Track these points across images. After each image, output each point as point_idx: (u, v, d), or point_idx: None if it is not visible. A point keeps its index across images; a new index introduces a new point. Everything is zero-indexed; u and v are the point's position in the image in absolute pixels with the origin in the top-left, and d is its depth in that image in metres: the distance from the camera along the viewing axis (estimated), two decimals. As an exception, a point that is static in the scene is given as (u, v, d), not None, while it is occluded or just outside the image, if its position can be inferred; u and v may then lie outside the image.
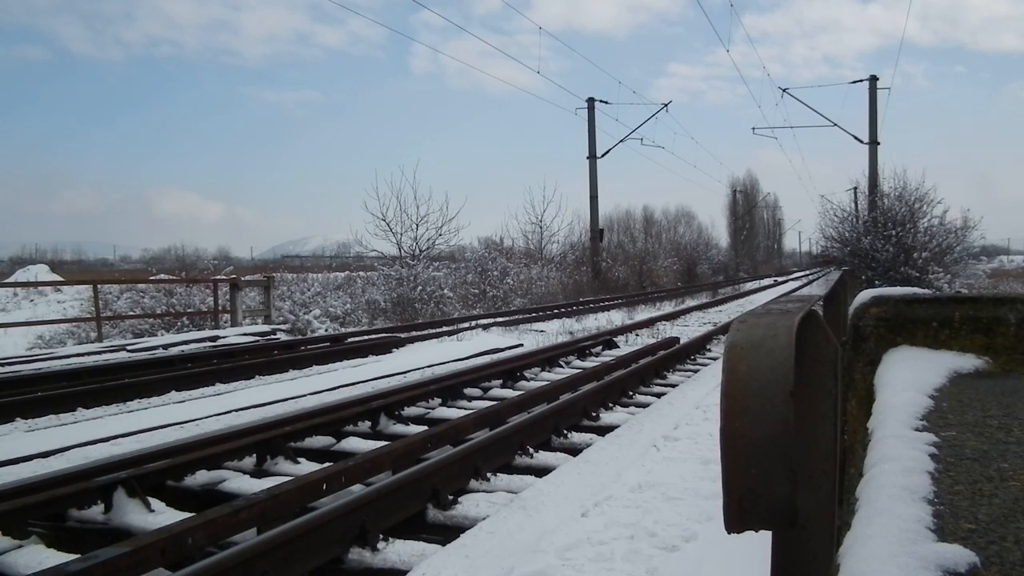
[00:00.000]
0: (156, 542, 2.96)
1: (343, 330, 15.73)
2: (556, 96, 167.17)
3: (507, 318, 17.44)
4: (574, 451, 5.06)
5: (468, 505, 3.96)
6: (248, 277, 18.62)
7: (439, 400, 6.91)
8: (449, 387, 7.14)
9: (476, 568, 2.99)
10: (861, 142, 28.10)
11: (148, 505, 3.86)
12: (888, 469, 0.77)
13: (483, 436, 4.94)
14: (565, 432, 5.64)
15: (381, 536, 3.45)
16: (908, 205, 21.99)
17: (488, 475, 4.46)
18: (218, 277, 17.31)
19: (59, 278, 23.97)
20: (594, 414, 6.28)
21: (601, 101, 30.89)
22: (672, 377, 8.60)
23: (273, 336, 13.42)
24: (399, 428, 5.91)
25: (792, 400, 0.90)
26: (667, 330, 14.40)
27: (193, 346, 11.56)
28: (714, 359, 10.02)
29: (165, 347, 11.41)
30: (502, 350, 11.10)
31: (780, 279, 52.74)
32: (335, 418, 5.72)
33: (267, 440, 4.96)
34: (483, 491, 4.28)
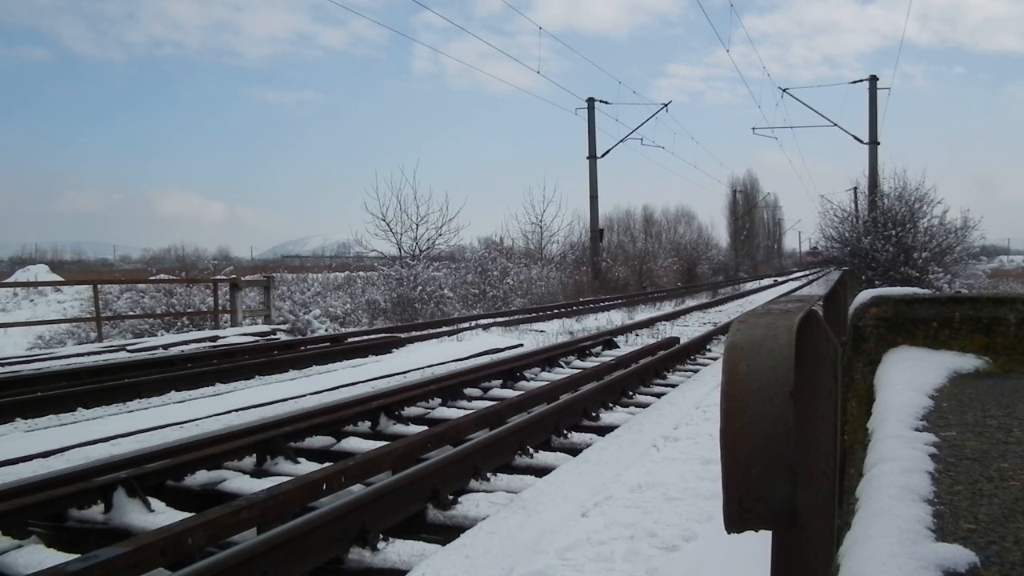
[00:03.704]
0: (156, 542, 2.96)
1: (343, 330, 15.74)
2: (556, 96, 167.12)
3: (507, 318, 17.44)
4: (574, 451, 5.06)
5: (468, 505, 3.96)
6: (248, 277, 18.62)
7: (439, 400, 6.91)
8: (449, 387, 7.14)
9: (476, 568, 2.99)
10: (861, 142, 28.13)
11: (148, 505, 3.86)
12: (888, 469, 0.77)
13: (483, 436, 4.94)
14: (565, 432, 5.64)
15: (381, 536, 3.45)
16: (908, 205, 22.00)
17: (488, 475, 4.46)
18: (218, 277, 17.31)
19: (59, 278, 23.97)
20: (594, 414, 6.27)
21: (601, 101, 30.91)
22: (672, 377, 8.60)
23: (273, 336, 13.42)
24: (399, 428, 5.91)
25: (792, 400, 0.90)
26: (667, 330, 14.40)
27: (193, 346, 11.56)
28: (714, 359, 10.02)
29: (165, 347, 11.41)
30: (502, 350, 11.10)
31: (780, 279, 52.74)
32: (335, 418, 5.72)
33: (267, 440, 4.96)
34: (483, 491, 4.28)
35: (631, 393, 7.38)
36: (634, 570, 2.90)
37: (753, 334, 0.97)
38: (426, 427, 5.67)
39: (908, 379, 1.18)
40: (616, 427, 5.62)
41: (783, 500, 0.89)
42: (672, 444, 4.87)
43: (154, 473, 4.22)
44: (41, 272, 29.74)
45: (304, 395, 7.47)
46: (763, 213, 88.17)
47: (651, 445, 4.86)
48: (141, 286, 17.59)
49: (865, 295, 1.50)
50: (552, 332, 14.57)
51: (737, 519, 0.91)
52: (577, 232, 36.89)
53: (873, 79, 27.88)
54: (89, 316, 15.08)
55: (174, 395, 7.93)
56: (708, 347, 11.22)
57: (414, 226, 23.51)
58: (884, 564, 0.58)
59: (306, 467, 4.74)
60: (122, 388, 7.76)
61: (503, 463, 4.82)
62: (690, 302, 25.15)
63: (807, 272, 63.82)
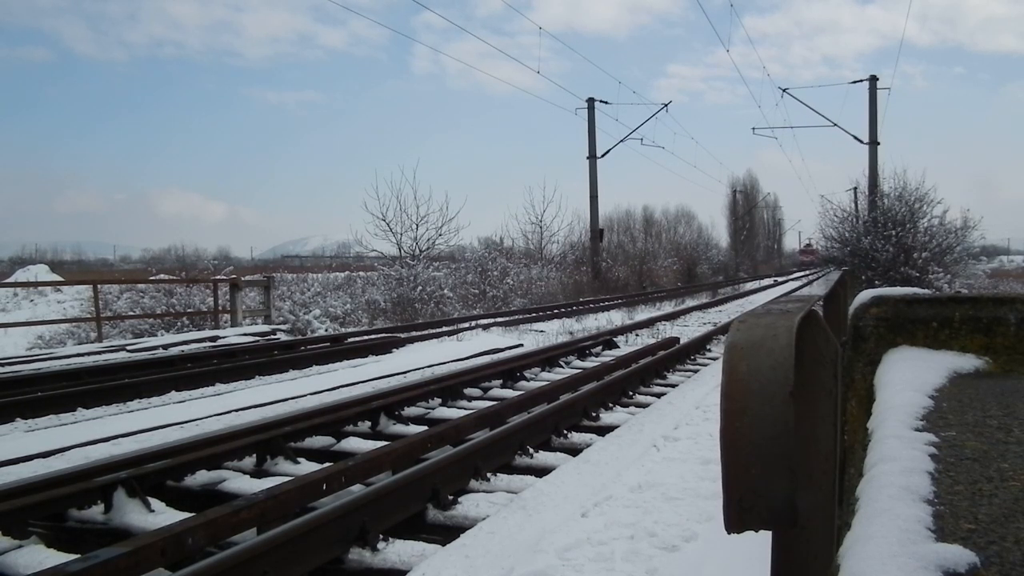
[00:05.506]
0: (156, 542, 2.96)
1: (343, 330, 15.73)
2: (556, 96, 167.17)
3: (507, 318, 17.43)
4: (574, 451, 5.06)
5: (468, 505, 3.96)
6: (248, 277, 18.62)
7: (439, 400, 6.91)
8: (449, 387, 7.14)
9: (476, 568, 2.99)
10: (861, 142, 28.13)
11: (148, 505, 3.86)
12: (888, 469, 0.77)
13: (483, 436, 4.93)
14: (565, 432, 5.64)
15: (381, 536, 3.45)
16: (908, 205, 21.99)
17: (488, 475, 4.46)
18: (218, 277, 17.31)
19: (59, 278, 23.96)
20: (594, 414, 6.27)
21: (601, 101, 30.91)
22: (672, 377, 8.60)
23: (273, 336, 13.42)
24: (399, 428, 5.91)
25: (792, 400, 0.90)
26: (667, 330, 14.39)
27: (193, 346, 11.56)
28: (714, 359, 10.02)
29: (165, 347, 11.41)
30: (502, 350, 11.09)
31: (780, 279, 52.73)
32: (335, 418, 5.72)
33: (267, 440, 4.96)
34: (483, 491, 4.28)
35: (631, 393, 7.38)
36: (634, 570, 2.90)
37: (753, 334, 0.97)
38: (426, 427, 5.67)
39: (908, 379, 1.18)
40: (616, 427, 5.62)
41: (783, 500, 0.89)
42: (672, 444, 4.87)
43: (154, 473, 4.22)
44: (41, 272, 29.72)
45: (304, 395, 7.47)
46: (763, 213, 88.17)
47: (651, 445, 4.86)
48: (141, 286, 17.59)
49: (865, 295, 1.50)
50: (552, 332, 14.56)
51: (737, 519, 0.91)
52: (577, 232, 36.91)
53: (873, 79, 27.89)
54: (89, 316, 15.08)
55: (174, 395, 7.93)
56: (708, 347, 11.21)
57: (414, 226, 23.53)
58: (884, 564, 0.58)
59: (306, 467, 4.74)
60: (122, 388, 7.76)
61: (503, 463, 4.82)
62: (690, 302, 25.14)
63: (806, 272, 63.76)
